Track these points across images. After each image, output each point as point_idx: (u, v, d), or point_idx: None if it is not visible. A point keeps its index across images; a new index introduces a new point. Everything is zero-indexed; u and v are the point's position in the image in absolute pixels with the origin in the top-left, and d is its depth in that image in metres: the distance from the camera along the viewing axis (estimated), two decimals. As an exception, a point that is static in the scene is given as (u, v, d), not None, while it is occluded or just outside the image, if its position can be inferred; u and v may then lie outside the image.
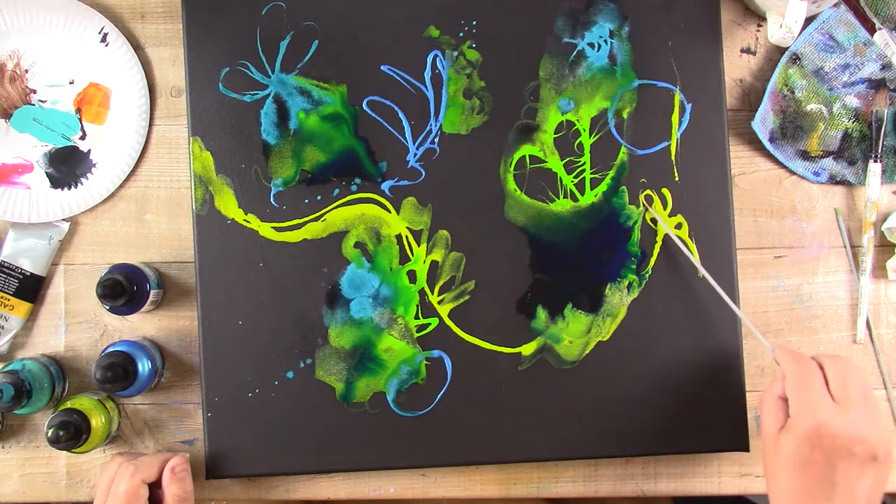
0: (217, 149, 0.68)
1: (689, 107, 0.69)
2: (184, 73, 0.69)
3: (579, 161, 0.69)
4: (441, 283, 0.68)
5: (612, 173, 0.69)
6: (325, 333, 0.68)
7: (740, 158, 0.72)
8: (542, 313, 0.68)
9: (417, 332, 0.68)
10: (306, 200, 0.68)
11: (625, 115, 0.69)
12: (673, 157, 0.69)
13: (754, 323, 0.71)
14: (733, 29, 0.72)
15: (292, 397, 0.67)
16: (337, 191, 0.68)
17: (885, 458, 0.54)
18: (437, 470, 0.70)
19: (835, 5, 0.69)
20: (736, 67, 0.72)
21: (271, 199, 0.68)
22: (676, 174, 0.69)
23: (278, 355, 0.67)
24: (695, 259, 0.67)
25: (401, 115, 0.69)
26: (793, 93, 0.71)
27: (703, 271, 0.66)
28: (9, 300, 0.69)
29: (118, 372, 0.64)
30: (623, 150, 0.69)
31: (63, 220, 0.71)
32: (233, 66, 0.68)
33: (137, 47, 0.71)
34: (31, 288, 0.70)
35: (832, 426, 0.53)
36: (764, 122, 0.71)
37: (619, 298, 0.68)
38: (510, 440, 0.68)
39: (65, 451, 0.69)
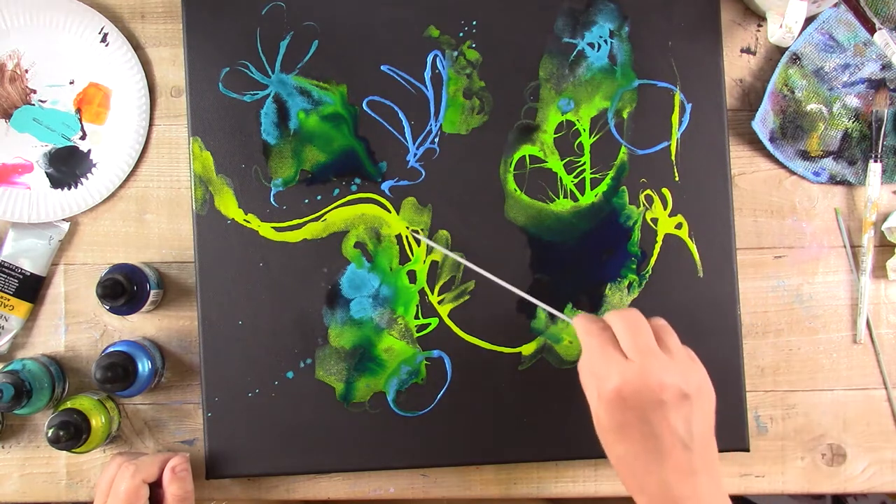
0: (217, 149, 0.68)
1: (689, 107, 0.69)
2: (184, 73, 0.69)
3: (579, 161, 0.69)
4: (441, 283, 0.68)
5: (612, 173, 0.69)
6: (325, 333, 0.68)
7: (740, 158, 0.72)
8: (542, 313, 0.68)
9: (417, 332, 0.68)
10: (306, 200, 0.68)
11: (625, 115, 0.69)
12: (673, 157, 0.69)
13: (754, 323, 0.71)
14: (733, 29, 0.72)
15: (292, 397, 0.67)
16: (337, 191, 0.68)
17: (697, 393, 0.54)
18: (437, 470, 0.70)
19: (835, 5, 0.69)
20: (736, 67, 0.72)
21: (271, 199, 0.68)
22: (676, 174, 0.69)
23: (278, 355, 0.67)
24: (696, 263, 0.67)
25: (401, 115, 0.69)
26: (793, 93, 0.71)
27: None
28: (9, 300, 0.69)
29: (118, 372, 0.64)
30: (623, 150, 0.69)
31: (63, 220, 0.71)
32: (233, 66, 0.68)
33: (137, 47, 0.71)
34: (31, 288, 0.70)
35: (631, 383, 0.53)
36: (764, 122, 0.71)
37: (619, 298, 0.68)
38: (510, 440, 0.68)
39: (65, 451, 0.69)
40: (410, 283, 0.68)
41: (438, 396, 0.68)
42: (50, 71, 0.71)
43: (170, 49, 0.72)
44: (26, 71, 0.71)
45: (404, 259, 0.68)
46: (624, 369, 0.53)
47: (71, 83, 0.71)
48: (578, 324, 0.58)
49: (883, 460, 0.71)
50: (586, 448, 0.68)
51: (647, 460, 0.53)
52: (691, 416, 0.53)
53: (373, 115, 0.69)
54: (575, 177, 0.69)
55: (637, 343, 0.54)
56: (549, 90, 0.69)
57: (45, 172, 0.71)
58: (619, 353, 0.54)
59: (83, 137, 0.71)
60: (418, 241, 0.68)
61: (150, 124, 0.71)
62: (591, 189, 0.69)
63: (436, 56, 0.69)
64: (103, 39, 0.71)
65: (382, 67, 0.69)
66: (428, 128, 0.69)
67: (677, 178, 0.69)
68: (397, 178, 0.69)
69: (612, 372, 0.53)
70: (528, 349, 0.68)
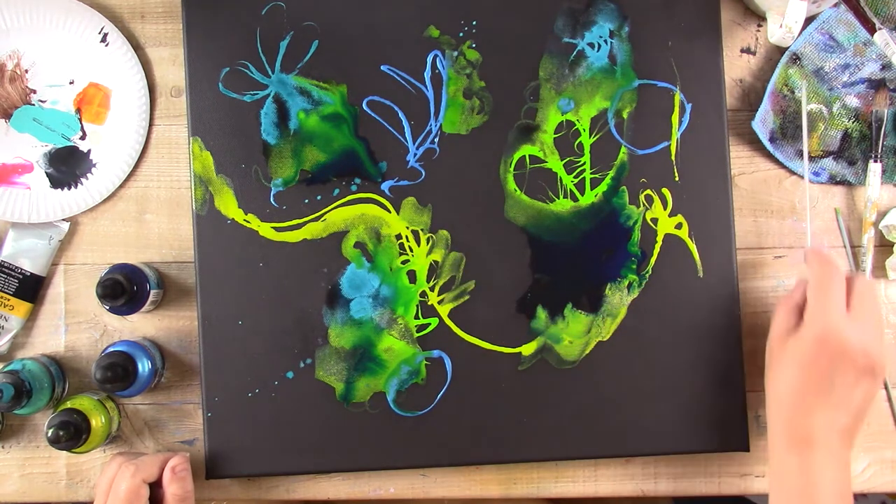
0: (217, 149, 0.68)
1: (689, 107, 0.69)
2: (184, 73, 0.69)
3: (579, 161, 0.69)
4: (441, 283, 0.68)
5: (612, 173, 0.69)
6: (325, 333, 0.68)
7: (740, 158, 0.72)
8: (542, 313, 0.68)
9: (417, 332, 0.68)
10: (306, 200, 0.68)
11: (625, 115, 0.69)
12: (673, 157, 0.69)
13: (754, 323, 0.71)
14: (733, 29, 0.72)
15: (292, 397, 0.67)
16: (337, 191, 0.68)
17: (881, 373, 0.58)
18: (437, 470, 0.70)
19: (835, 5, 0.69)
20: (736, 67, 0.72)
21: (271, 199, 0.68)
22: (676, 174, 0.69)
23: (278, 355, 0.67)
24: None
25: (401, 115, 0.69)
26: (793, 93, 0.71)
27: None
28: (9, 300, 0.69)
29: (118, 372, 0.64)
30: (623, 150, 0.69)
31: (63, 220, 0.71)
32: (233, 66, 0.68)
33: (137, 47, 0.71)
34: (31, 288, 0.70)
35: (842, 333, 0.57)
36: (764, 122, 0.71)
37: (619, 298, 0.68)
38: (510, 440, 0.68)
39: (65, 451, 0.69)
40: (410, 283, 0.68)
41: (438, 396, 0.68)
42: (50, 71, 0.71)
43: (170, 49, 0.72)
44: (26, 71, 0.71)
45: (404, 259, 0.68)
46: (844, 319, 0.57)
47: (71, 83, 0.71)
48: (816, 257, 0.60)
49: (883, 460, 0.71)
50: (586, 448, 0.68)
51: (815, 400, 0.57)
52: (867, 389, 0.58)
53: (373, 115, 0.69)
54: (575, 177, 0.69)
55: (863, 306, 0.58)
56: (549, 90, 0.69)
57: (45, 172, 0.71)
58: (845, 305, 0.58)
59: (83, 137, 0.71)
60: None
61: (150, 124, 0.71)
62: (591, 189, 0.69)
63: (436, 56, 0.69)
64: (103, 39, 0.71)
65: (382, 67, 0.69)
66: (428, 128, 0.69)
67: (677, 178, 0.69)
68: (397, 178, 0.69)
69: (833, 315, 0.57)
70: (528, 349, 0.68)
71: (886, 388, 0.71)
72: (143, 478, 0.62)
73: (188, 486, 0.64)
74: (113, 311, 0.68)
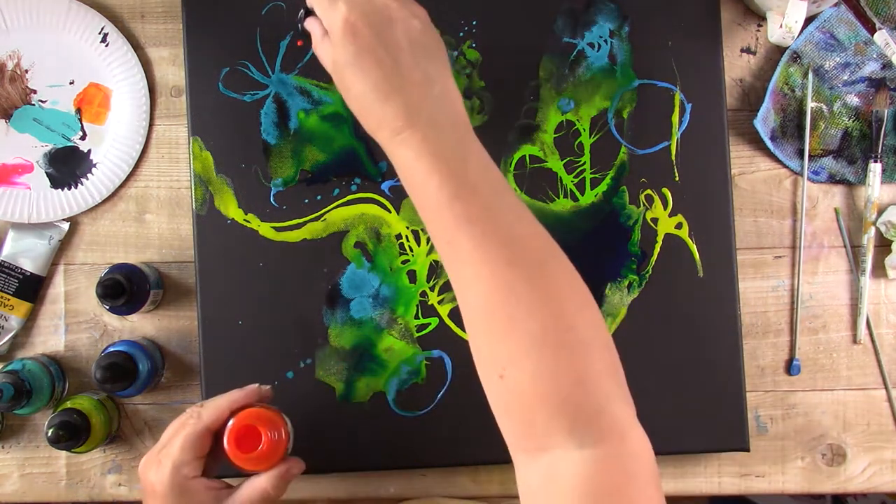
0: (217, 149, 0.68)
1: (689, 107, 0.69)
2: (184, 73, 0.69)
3: (579, 161, 0.69)
4: (441, 282, 0.68)
5: (612, 173, 0.69)
6: (325, 333, 0.68)
7: (740, 158, 0.72)
8: (542, 313, 0.68)
9: (417, 331, 0.68)
10: (306, 200, 0.68)
11: (625, 115, 0.69)
12: (673, 157, 0.69)
13: (754, 323, 0.71)
14: (733, 29, 0.72)
15: (292, 397, 0.67)
16: (337, 191, 0.68)
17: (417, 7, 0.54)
18: (437, 470, 0.70)
19: (835, 5, 0.69)
20: (736, 67, 0.72)
21: (271, 199, 0.68)
22: (676, 174, 0.69)
23: (278, 355, 0.67)
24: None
25: (401, 115, 0.68)
26: (793, 91, 0.71)
27: None
28: (9, 300, 0.69)
29: (118, 372, 0.64)
30: (623, 149, 0.69)
31: (63, 220, 0.71)
32: (233, 66, 0.68)
33: (137, 47, 0.71)
34: (31, 288, 0.70)
35: (359, 7, 0.51)
36: (765, 120, 0.71)
37: (619, 298, 0.68)
38: (510, 440, 0.68)
39: (65, 451, 0.69)
40: (410, 282, 0.68)
41: (438, 396, 0.68)
42: (50, 71, 0.71)
43: (170, 49, 0.72)
44: (26, 71, 0.71)
45: (404, 259, 0.68)
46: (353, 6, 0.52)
47: (71, 83, 0.71)
48: None
49: (883, 460, 0.71)
50: (586, 448, 0.68)
51: (388, 86, 0.51)
52: (421, 30, 0.53)
53: (373, 115, 0.68)
54: (575, 177, 0.69)
55: None
56: (549, 90, 0.69)
57: (45, 172, 0.71)
58: None
59: (83, 137, 0.71)
60: None
61: (150, 124, 0.71)
62: (591, 189, 0.69)
63: (436, 56, 0.69)
64: (103, 39, 0.71)
65: (382, 67, 0.69)
66: (428, 128, 0.69)
67: (677, 178, 0.69)
68: (397, 178, 0.68)
69: (337, 2, 0.52)
70: (528, 349, 0.68)
71: (886, 388, 0.71)
72: (208, 425, 0.56)
73: (282, 492, 0.59)
74: (113, 311, 0.68)
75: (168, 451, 0.55)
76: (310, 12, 0.57)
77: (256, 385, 0.60)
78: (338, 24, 0.52)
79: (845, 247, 0.72)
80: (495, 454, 0.68)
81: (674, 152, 0.69)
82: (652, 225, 0.69)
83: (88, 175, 0.71)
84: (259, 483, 0.57)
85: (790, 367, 0.71)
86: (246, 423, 0.57)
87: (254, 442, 0.56)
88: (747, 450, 0.68)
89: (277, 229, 0.68)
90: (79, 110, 0.71)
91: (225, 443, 0.56)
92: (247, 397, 0.58)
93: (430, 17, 0.68)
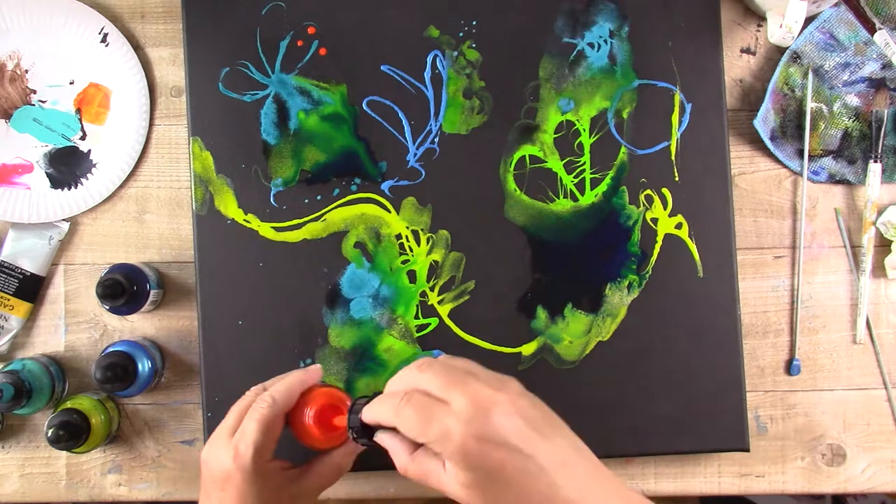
0: (217, 149, 0.68)
1: (689, 107, 0.69)
2: (184, 73, 0.69)
3: (579, 161, 0.69)
4: (441, 282, 0.68)
5: (612, 173, 0.69)
6: (325, 333, 0.68)
7: (740, 158, 0.72)
8: (542, 313, 0.68)
9: (417, 332, 0.68)
10: (306, 200, 0.68)
11: (625, 115, 0.69)
12: (673, 157, 0.69)
13: (754, 323, 0.71)
14: (733, 29, 0.72)
15: (292, 397, 0.67)
16: (337, 191, 0.68)
17: (518, 389, 0.48)
18: (437, 470, 0.70)
19: (835, 5, 0.69)
20: (736, 67, 0.72)
21: (271, 199, 0.68)
22: (676, 174, 0.69)
23: (278, 355, 0.67)
24: None
25: (401, 115, 0.69)
26: (793, 91, 0.71)
27: None
28: (9, 300, 0.69)
29: (118, 372, 0.64)
30: (623, 150, 0.69)
31: (63, 220, 0.71)
32: (233, 66, 0.68)
33: (137, 47, 0.71)
34: (31, 288, 0.70)
35: (483, 425, 0.45)
36: (765, 120, 0.71)
37: (619, 298, 0.68)
38: (510, 440, 0.68)
39: (65, 451, 0.69)
40: (410, 283, 0.68)
41: (438, 396, 0.68)
42: (50, 71, 0.71)
43: (170, 49, 0.72)
44: (26, 71, 0.71)
45: (404, 259, 0.68)
46: (455, 419, 0.46)
47: (71, 83, 0.71)
48: (391, 401, 0.49)
49: (883, 460, 0.71)
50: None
51: (521, 485, 0.45)
52: (533, 413, 0.47)
53: (373, 115, 0.69)
54: (575, 177, 0.69)
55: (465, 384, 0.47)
56: (549, 90, 0.69)
57: (45, 172, 0.71)
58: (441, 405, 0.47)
59: (83, 137, 0.71)
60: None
61: (150, 124, 0.71)
62: (591, 189, 0.69)
63: (436, 56, 0.69)
64: (103, 39, 0.71)
65: (382, 67, 0.69)
66: (428, 128, 0.69)
67: (677, 178, 0.69)
68: (397, 177, 0.69)
69: (446, 420, 0.46)
70: (528, 349, 0.68)
71: (886, 387, 0.71)
72: (283, 408, 0.56)
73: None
74: (113, 311, 0.68)
75: (245, 437, 0.54)
76: (367, 427, 0.52)
77: (318, 365, 0.60)
78: (458, 448, 0.45)
79: (845, 247, 0.72)
80: (495, 454, 0.68)
81: (674, 152, 0.69)
82: (652, 225, 0.69)
83: (88, 175, 0.71)
84: (334, 460, 0.58)
85: (790, 367, 0.71)
86: (328, 403, 0.57)
87: (334, 421, 0.57)
88: (747, 450, 0.68)
89: (277, 229, 0.68)
90: (79, 110, 0.71)
91: (310, 424, 0.57)
92: (313, 377, 0.59)
93: (430, 17, 0.69)
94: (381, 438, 0.51)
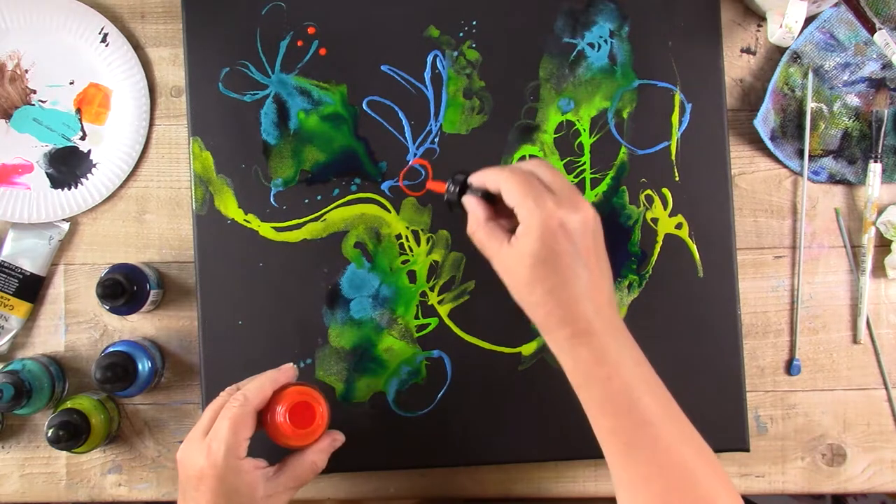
0: (217, 149, 0.68)
1: (689, 107, 0.69)
2: (184, 73, 0.69)
3: (579, 161, 0.69)
4: (441, 283, 0.68)
5: (612, 173, 0.69)
6: (324, 333, 0.68)
7: (740, 158, 0.72)
8: (542, 313, 0.68)
9: (417, 332, 0.68)
10: (306, 200, 0.68)
11: (625, 115, 0.69)
12: (673, 157, 0.69)
13: (754, 323, 0.71)
14: (733, 29, 0.72)
15: (292, 397, 0.67)
16: (337, 191, 0.68)
17: (598, 222, 0.57)
18: (437, 470, 0.70)
19: (835, 5, 0.69)
20: (736, 67, 0.72)
21: (271, 199, 0.68)
22: (676, 174, 0.69)
23: (278, 355, 0.67)
24: None
25: (401, 115, 0.69)
26: (793, 91, 0.71)
27: None
28: (9, 300, 0.69)
29: (118, 372, 0.64)
30: (623, 150, 0.69)
31: (63, 220, 0.71)
32: (233, 66, 0.68)
33: (137, 47, 0.71)
34: (31, 288, 0.70)
35: (564, 215, 0.54)
36: (765, 120, 0.71)
37: (619, 298, 0.68)
38: (510, 440, 0.68)
39: (65, 451, 0.69)
40: (410, 283, 0.68)
41: (438, 396, 0.68)
42: (50, 71, 0.71)
43: (170, 49, 0.72)
44: (26, 71, 0.71)
45: (404, 259, 0.68)
46: (560, 203, 0.54)
47: (71, 83, 0.71)
48: (495, 171, 0.58)
49: (883, 460, 0.71)
50: (586, 448, 0.68)
51: (580, 291, 0.54)
52: (598, 240, 0.57)
53: (373, 115, 0.69)
54: (575, 177, 0.69)
55: (561, 183, 0.56)
56: (549, 90, 0.69)
57: (45, 172, 0.71)
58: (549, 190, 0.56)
59: (83, 137, 0.71)
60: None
61: (150, 124, 0.71)
62: (592, 189, 0.69)
63: (436, 56, 0.69)
64: (103, 39, 0.71)
65: (382, 67, 0.69)
66: (428, 128, 0.69)
67: (677, 178, 0.69)
68: (397, 178, 0.69)
69: (548, 203, 0.54)
70: (528, 349, 0.68)
71: (886, 388, 0.71)
72: (255, 407, 0.57)
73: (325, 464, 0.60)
74: (113, 311, 0.68)
75: (217, 435, 0.55)
76: (465, 186, 0.59)
77: (291, 364, 0.61)
78: (542, 222, 0.54)
79: (845, 247, 0.72)
80: (495, 454, 0.68)
81: (674, 152, 0.69)
82: (652, 225, 0.69)
83: (88, 175, 0.71)
84: (308, 457, 0.59)
85: (790, 367, 0.71)
86: (300, 401, 0.58)
87: (307, 418, 0.58)
88: (747, 450, 0.68)
89: (277, 229, 0.68)
90: (79, 110, 0.71)
91: (281, 421, 0.57)
92: (286, 377, 0.59)
93: (430, 17, 0.69)
94: (468, 199, 0.59)
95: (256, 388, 0.57)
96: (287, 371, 0.60)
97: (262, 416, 0.58)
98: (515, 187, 0.55)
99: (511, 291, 0.57)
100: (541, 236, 0.53)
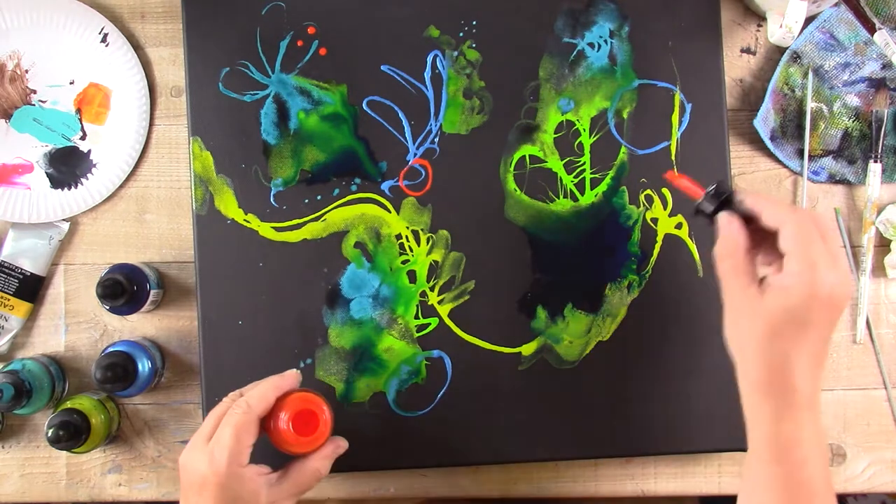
0: (217, 149, 0.68)
1: (689, 107, 0.69)
2: (184, 73, 0.69)
3: (579, 161, 0.69)
4: (441, 282, 0.68)
5: (612, 173, 0.69)
6: (325, 333, 0.68)
7: (740, 158, 0.72)
8: (542, 313, 0.68)
9: (417, 332, 0.68)
10: (306, 200, 0.68)
11: (625, 115, 0.69)
12: (673, 157, 0.69)
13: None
14: (733, 29, 0.72)
15: (292, 397, 0.67)
16: (337, 191, 0.68)
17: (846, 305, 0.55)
18: (437, 470, 0.70)
19: (835, 5, 0.69)
20: (736, 67, 0.72)
21: (271, 199, 0.68)
22: (677, 174, 0.69)
23: (278, 355, 0.67)
24: None
25: (401, 115, 0.69)
26: (793, 91, 0.71)
27: None
28: (9, 300, 0.69)
29: (118, 372, 0.64)
30: (623, 149, 0.69)
31: (63, 220, 0.71)
32: (233, 66, 0.68)
33: (137, 47, 0.71)
34: (31, 288, 0.70)
35: (834, 288, 0.50)
36: (765, 120, 0.71)
37: (619, 298, 0.68)
38: (510, 440, 0.68)
39: (65, 451, 0.69)
40: (410, 283, 0.68)
41: (438, 396, 0.68)
42: (50, 71, 0.71)
43: (170, 49, 0.72)
44: (26, 71, 0.71)
45: (404, 259, 0.68)
46: (832, 269, 0.51)
47: (71, 83, 0.71)
48: (778, 206, 0.53)
49: (883, 460, 0.71)
50: (586, 448, 0.68)
51: (806, 358, 0.51)
52: (835, 325, 0.53)
53: (373, 115, 0.69)
54: (575, 177, 0.69)
55: (834, 247, 0.52)
56: (549, 90, 0.69)
57: (45, 172, 0.71)
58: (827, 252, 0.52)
59: (83, 137, 0.71)
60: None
61: (150, 124, 0.71)
62: (591, 189, 0.69)
63: (436, 56, 0.69)
64: (103, 39, 0.71)
65: (382, 67, 0.69)
66: (428, 128, 0.69)
67: (677, 178, 0.69)
68: (397, 177, 0.69)
69: (824, 267, 0.50)
70: (528, 349, 0.68)
71: (886, 387, 0.71)
72: (259, 414, 0.57)
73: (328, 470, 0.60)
74: (113, 311, 0.68)
75: (220, 442, 0.55)
76: (726, 201, 0.55)
77: (294, 370, 0.60)
78: (812, 286, 0.50)
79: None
80: (495, 454, 0.68)
81: (674, 152, 0.69)
82: (652, 225, 0.69)
83: (88, 175, 0.71)
84: (311, 464, 0.59)
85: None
86: (304, 408, 0.57)
87: (311, 425, 0.57)
88: (747, 450, 0.68)
89: (277, 229, 0.68)
90: (79, 110, 0.71)
91: (285, 428, 0.57)
92: (289, 383, 0.59)
93: (430, 17, 0.69)
94: (730, 220, 0.54)
95: (260, 395, 0.57)
96: (290, 377, 0.59)
97: (265, 422, 0.58)
98: (798, 235, 0.51)
99: (731, 334, 0.54)
100: (805, 300, 0.50)
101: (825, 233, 0.52)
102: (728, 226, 0.54)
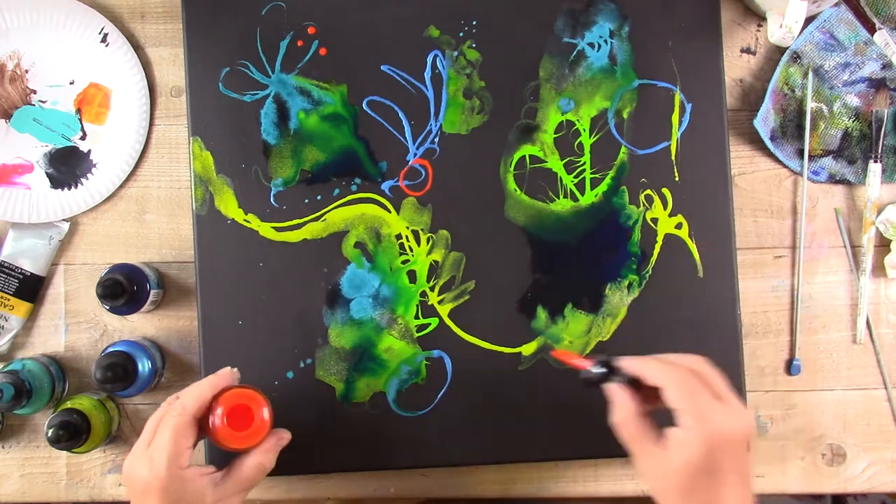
0: (217, 149, 0.68)
1: (689, 107, 0.69)
2: (184, 73, 0.69)
3: (579, 161, 0.69)
4: (441, 282, 0.68)
5: (612, 173, 0.69)
6: (325, 333, 0.68)
7: (740, 158, 0.72)
8: (542, 313, 0.68)
9: (417, 331, 0.68)
10: (306, 200, 0.68)
11: (625, 115, 0.69)
12: (673, 157, 0.69)
13: (754, 323, 0.71)
14: (733, 29, 0.72)
15: (292, 397, 0.67)
16: (337, 191, 0.68)
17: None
18: (437, 470, 0.70)
19: (835, 5, 0.69)
20: (736, 67, 0.72)
21: (271, 199, 0.68)
22: (676, 174, 0.69)
23: (278, 355, 0.67)
24: None
25: (401, 114, 0.69)
26: (793, 91, 0.71)
27: None
28: (9, 300, 0.69)
29: (118, 372, 0.64)
30: (623, 149, 0.69)
31: (63, 220, 0.71)
32: (233, 66, 0.68)
33: (137, 47, 0.71)
34: (31, 288, 0.70)
35: (730, 430, 0.51)
36: (765, 120, 0.71)
37: (619, 298, 0.68)
38: (510, 440, 0.68)
39: (65, 451, 0.69)
40: (410, 283, 0.68)
41: (438, 396, 0.68)
42: (50, 71, 0.71)
43: (170, 49, 0.72)
44: (26, 71, 0.71)
45: (404, 259, 0.68)
46: (722, 414, 0.52)
47: (71, 83, 0.71)
48: (656, 365, 0.54)
49: (883, 460, 0.71)
50: (586, 448, 0.68)
51: (737, 494, 0.52)
52: (750, 448, 0.54)
53: (373, 115, 0.69)
54: (575, 177, 0.69)
55: (721, 389, 0.53)
56: (549, 90, 0.69)
57: (45, 172, 0.71)
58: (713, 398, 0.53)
59: (83, 137, 0.71)
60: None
61: (150, 124, 0.71)
62: (591, 189, 0.69)
63: (436, 56, 0.69)
64: (103, 39, 0.71)
65: (382, 67, 0.69)
66: (428, 128, 0.69)
67: (677, 178, 0.69)
68: (397, 177, 0.69)
69: (713, 414, 0.52)
70: (528, 349, 0.68)
71: (886, 387, 0.71)
72: (194, 414, 0.57)
73: (273, 464, 0.60)
74: (113, 311, 0.68)
75: (159, 446, 0.55)
76: (611, 373, 0.55)
77: (228, 368, 0.60)
78: (708, 437, 0.51)
79: (845, 247, 0.72)
80: (495, 454, 0.68)
81: (674, 152, 0.69)
82: (652, 225, 0.69)
83: (88, 175, 0.71)
84: (254, 459, 0.58)
85: (790, 367, 0.71)
86: (238, 404, 0.58)
87: (246, 421, 0.57)
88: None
89: (277, 229, 0.68)
90: (79, 110, 0.71)
91: (219, 425, 0.57)
92: (224, 381, 0.59)
93: (430, 17, 0.69)
94: (616, 390, 0.55)
95: (194, 394, 0.57)
96: (224, 375, 0.59)
97: (204, 422, 0.58)
98: (681, 391, 0.52)
99: (655, 493, 0.54)
100: (706, 451, 0.51)
101: (706, 379, 0.53)
102: (616, 396, 0.55)
